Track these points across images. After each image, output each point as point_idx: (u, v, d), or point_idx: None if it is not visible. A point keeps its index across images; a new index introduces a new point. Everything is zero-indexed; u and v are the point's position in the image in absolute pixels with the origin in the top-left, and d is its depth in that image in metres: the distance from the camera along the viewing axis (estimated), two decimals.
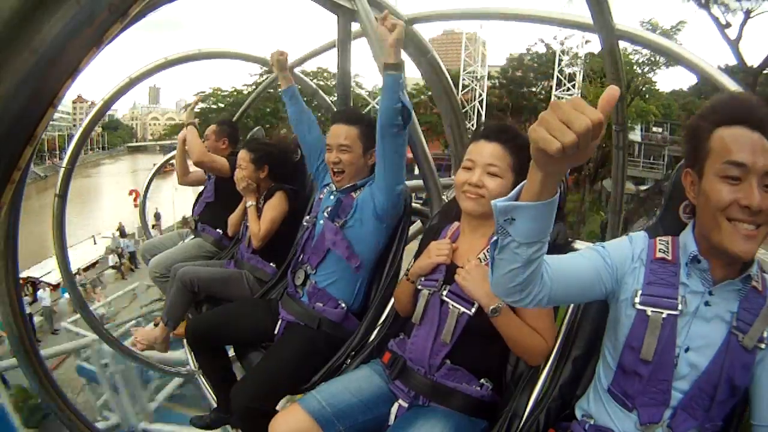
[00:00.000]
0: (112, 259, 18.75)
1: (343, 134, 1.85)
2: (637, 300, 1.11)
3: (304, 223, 2.07)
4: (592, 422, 1.18)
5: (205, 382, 2.19)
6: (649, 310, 1.09)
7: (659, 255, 1.13)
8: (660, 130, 25.82)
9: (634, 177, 20.74)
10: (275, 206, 2.41)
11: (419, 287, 1.45)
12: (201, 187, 3.30)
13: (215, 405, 2.21)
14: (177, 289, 2.33)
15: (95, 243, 21.46)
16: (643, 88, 23.04)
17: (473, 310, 1.33)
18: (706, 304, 1.05)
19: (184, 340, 2.25)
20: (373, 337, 1.77)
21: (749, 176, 0.94)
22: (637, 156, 23.99)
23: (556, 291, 1.01)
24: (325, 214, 1.89)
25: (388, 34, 1.57)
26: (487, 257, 1.35)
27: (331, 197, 1.92)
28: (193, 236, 3.10)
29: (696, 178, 1.05)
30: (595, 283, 1.11)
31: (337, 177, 1.89)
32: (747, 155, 0.94)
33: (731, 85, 1.70)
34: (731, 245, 0.97)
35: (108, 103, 2.70)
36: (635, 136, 23.39)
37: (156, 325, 2.54)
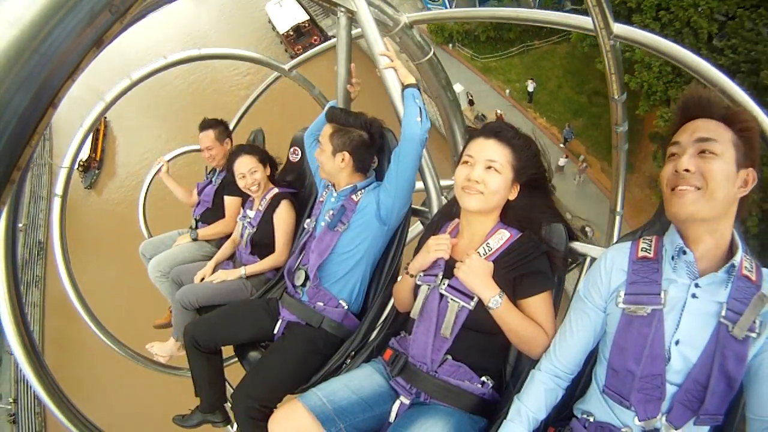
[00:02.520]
0: None
1: (323, 132, 1.92)
2: (620, 300, 1.15)
3: (305, 226, 2.07)
4: (592, 420, 1.19)
5: (194, 380, 2.14)
6: (632, 308, 1.12)
7: (641, 254, 1.17)
8: None
9: None
10: (285, 218, 2.41)
11: (418, 282, 1.46)
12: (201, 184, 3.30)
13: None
14: (178, 310, 2.36)
15: None
16: None
17: (473, 304, 1.34)
18: (694, 296, 1.08)
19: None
20: (373, 336, 1.77)
21: (683, 148, 1.08)
22: None
23: (576, 368, 1.25)
24: (327, 218, 1.89)
25: (398, 66, 1.80)
26: (487, 251, 1.37)
27: (332, 199, 1.93)
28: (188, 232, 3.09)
29: None
30: (598, 332, 1.23)
31: (321, 173, 1.96)
32: (682, 136, 1.10)
33: (731, 86, 1.69)
34: (670, 208, 1.07)
35: (109, 105, 2.70)
36: None
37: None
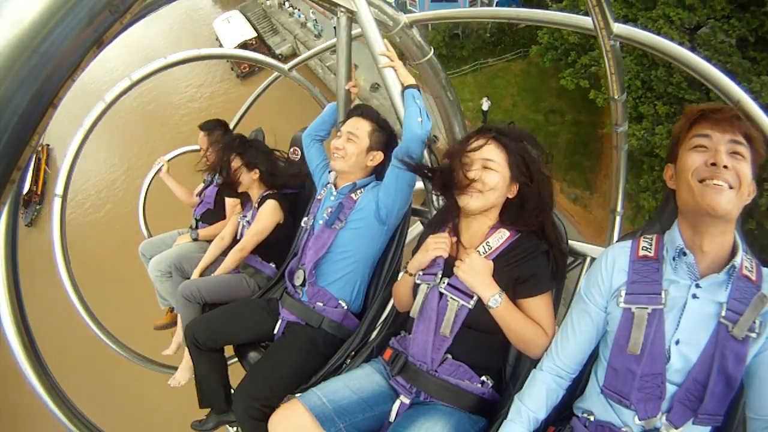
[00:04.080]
0: None
1: (356, 125, 1.91)
2: (621, 299, 1.15)
3: (303, 225, 2.07)
4: (592, 419, 1.20)
5: (198, 385, 2.12)
6: (633, 308, 1.12)
7: (642, 253, 1.17)
8: None
9: None
10: (264, 216, 2.40)
11: (418, 281, 1.46)
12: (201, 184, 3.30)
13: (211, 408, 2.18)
14: (182, 305, 2.35)
15: None
16: None
17: (472, 302, 1.34)
18: (694, 296, 1.07)
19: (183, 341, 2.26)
20: (373, 336, 1.77)
21: (715, 143, 1.06)
22: None
23: (578, 367, 1.25)
24: (325, 215, 1.89)
25: (399, 66, 1.80)
26: (487, 250, 1.37)
27: (331, 197, 1.93)
28: (189, 232, 3.09)
29: (673, 166, 1.18)
30: (599, 331, 1.23)
31: (334, 159, 1.91)
32: (710, 129, 1.08)
33: (732, 87, 1.69)
34: (702, 200, 1.04)
35: (110, 105, 2.70)
36: None
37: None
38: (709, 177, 1.04)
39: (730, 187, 1.03)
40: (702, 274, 1.08)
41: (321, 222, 1.91)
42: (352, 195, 1.88)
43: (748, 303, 1.02)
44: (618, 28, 1.87)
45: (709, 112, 1.11)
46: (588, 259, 1.64)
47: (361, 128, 1.90)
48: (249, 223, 2.54)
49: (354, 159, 1.88)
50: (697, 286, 1.08)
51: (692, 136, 1.10)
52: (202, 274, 2.56)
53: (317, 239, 1.88)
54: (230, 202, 2.90)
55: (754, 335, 1.01)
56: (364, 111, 1.96)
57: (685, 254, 1.09)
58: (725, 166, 1.03)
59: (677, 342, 1.07)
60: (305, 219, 2.06)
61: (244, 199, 2.72)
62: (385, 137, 1.93)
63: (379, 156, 1.92)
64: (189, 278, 2.58)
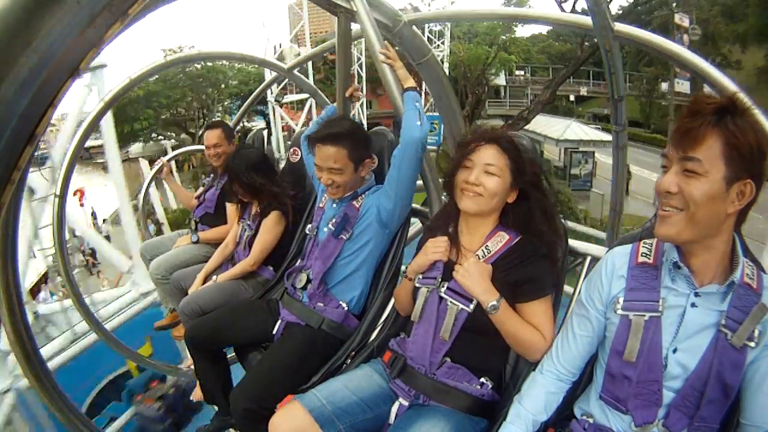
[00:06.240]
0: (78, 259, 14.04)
1: (332, 157, 1.77)
2: (619, 306, 1.14)
3: (307, 232, 2.05)
4: (591, 421, 1.19)
5: (201, 387, 2.13)
6: (631, 315, 1.11)
7: (641, 259, 1.16)
8: (522, 72, 29.83)
9: (502, 115, 25.84)
10: (270, 228, 2.38)
11: (418, 285, 1.46)
12: (201, 186, 3.29)
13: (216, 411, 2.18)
14: (185, 321, 2.34)
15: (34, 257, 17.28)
16: (506, 38, 25.49)
17: (471, 306, 1.34)
18: (693, 305, 1.06)
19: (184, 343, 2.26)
20: (373, 337, 1.77)
21: (671, 165, 1.01)
22: (503, 97, 29.98)
23: (578, 371, 1.25)
24: (330, 226, 1.87)
25: (398, 66, 1.78)
26: (486, 254, 1.37)
27: (334, 206, 1.92)
28: (189, 233, 3.08)
29: None
30: (600, 336, 1.21)
31: (332, 192, 1.85)
32: (670, 147, 1.01)
33: (729, 85, 1.69)
34: (656, 227, 1.04)
35: (109, 104, 2.71)
36: (500, 80, 28.16)
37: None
38: (660, 203, 1.02)
39: (681, 210, 0.98)
40: (700, 284, 1.06)
41: (326, 231, 1.88)
42: (354, 203, 1.86)
43: (748, 311, 1.01)
44: (618, 27, 1.87)
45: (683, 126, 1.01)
46: (588, 259, 1.64)
47: (337, 158, 1.77)
48: (250, 226, 2.53)
49: (349, 184, 1.84)
50: (696, 294, 1.06)
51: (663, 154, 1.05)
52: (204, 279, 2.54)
53: (324, 249, 1.86)
54: (231, 208, 2.89)
55: (752, 344, 1.00)
56: (331, 136, 1.77)
57: (679, 267, 1.07)
58: (668, 192, 0.98)
59: (675, 350, 1.06)
60: (309, 227, 2.03)
61: (244, 205, 2.70)
62: (365, 142, 1.85)
63: (369, 163, 1.87)
64: (187, 290, 2.55)
